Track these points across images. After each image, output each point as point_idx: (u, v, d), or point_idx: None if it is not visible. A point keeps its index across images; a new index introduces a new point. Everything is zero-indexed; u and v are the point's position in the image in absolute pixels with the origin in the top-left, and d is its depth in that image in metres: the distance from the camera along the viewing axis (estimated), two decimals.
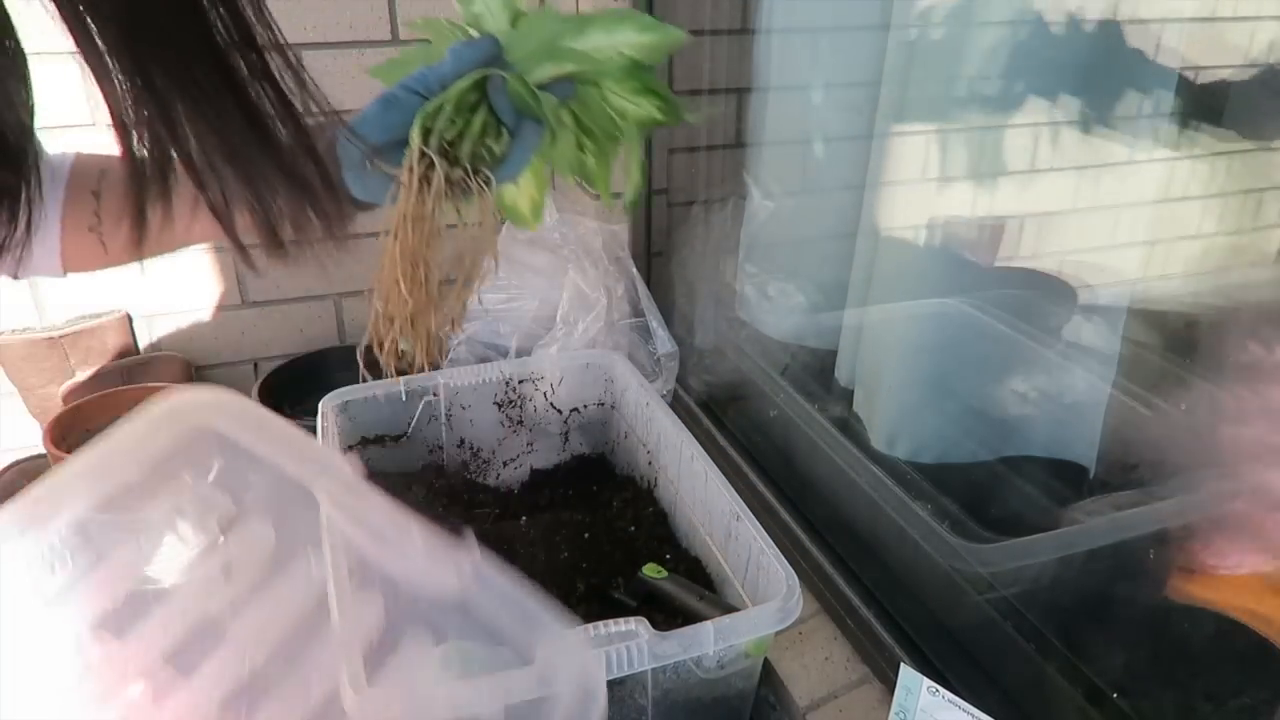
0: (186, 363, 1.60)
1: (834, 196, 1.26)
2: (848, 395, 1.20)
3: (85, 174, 0.67)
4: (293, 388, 1.49)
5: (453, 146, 0.60)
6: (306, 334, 1.69)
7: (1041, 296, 1.05)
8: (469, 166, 0.60)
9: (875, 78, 1.08)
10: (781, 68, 1.30)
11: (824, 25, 1.24)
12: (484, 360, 1.44)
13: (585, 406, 1.30)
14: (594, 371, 1.28)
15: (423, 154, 0.58)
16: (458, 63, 0.60)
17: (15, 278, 0.70)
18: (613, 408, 1.30)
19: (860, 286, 1.16)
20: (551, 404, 1.28)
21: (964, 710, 0.71)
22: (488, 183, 0.61)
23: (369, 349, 0.72)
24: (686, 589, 0.98)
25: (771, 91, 1.33)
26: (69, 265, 0.69)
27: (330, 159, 0.60)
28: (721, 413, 1.42)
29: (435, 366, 0.70)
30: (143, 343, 1.60)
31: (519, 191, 0.74)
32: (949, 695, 0.72)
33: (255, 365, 1.67)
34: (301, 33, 1.41)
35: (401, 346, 0.68)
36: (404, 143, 0.61)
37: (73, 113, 1.34)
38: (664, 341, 1.43)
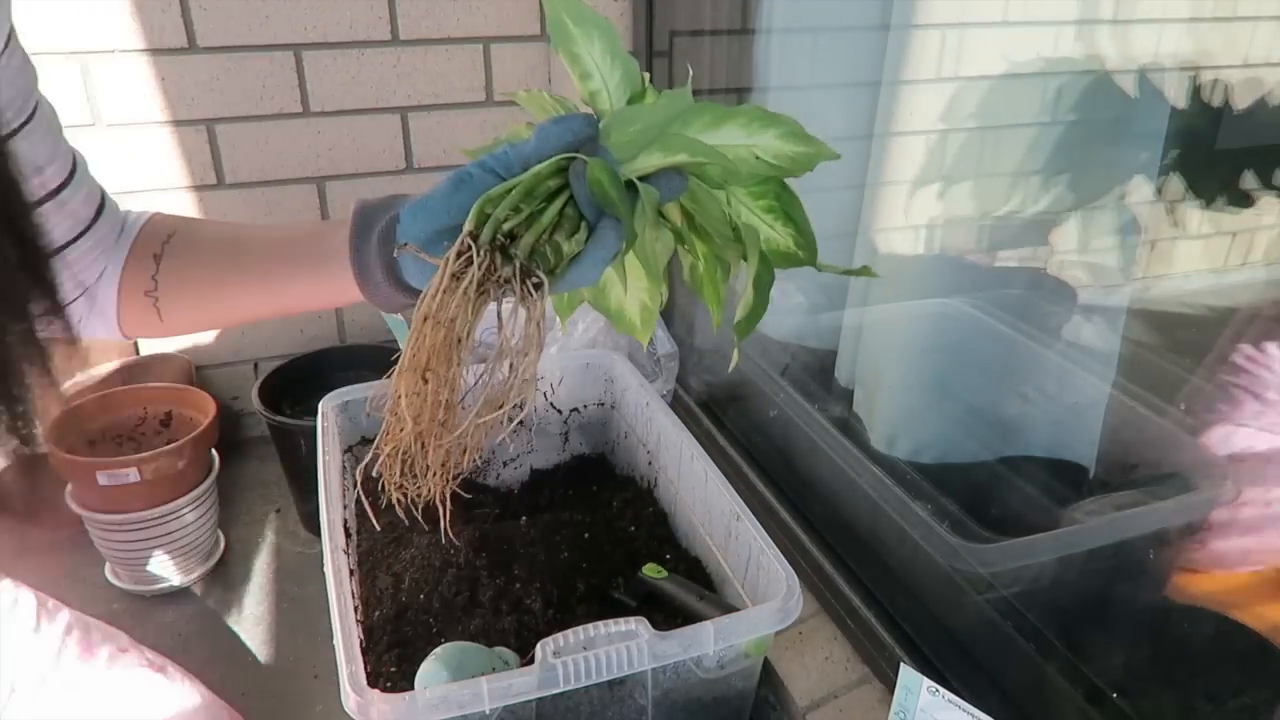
0: (187, 363, 1.60)
1: (834, 196, 1.26)
2: (848, 395, 1.20)
3: (153, 236, 0.64)
4: (293, 388, 1.49)
5: (513, 240, 0.49)
6: (307, 334, 1.69)
7: (1041, 296, 1.05)
8: (523, 265, 0.49)
9: (875, 78, 1.08)
10: (781, 68, 1.30)
11: (824, 25, 1.24)
12: (484, 360, 1.44)
13: (585, 406, 1.30)
14: (594, 371, 1.28)
15: (449, 257, 0.48)
16: (543, 142, 0.51)
17: (74, 341, 0.64)
18: (613, 408, 1.30)
19: (860, 286, 1.16)
20: (551, 404, 1.28)
21: (964, 710, 0.71)
22: (538, 287, 0.49)
23: (370, 465, 0.56)
24: (686, 589, 0.98)
25: (771, 91, 1.33)
26: (127, 330, 0.66)
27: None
28: (721, 413, 1.42)
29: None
30: (143, 343, 1.60)
31: (627, 294, 0.62)
32: (949, 695, 0.72)
33: (255, 365, 1.67)
34: (301, 33, 1.41)
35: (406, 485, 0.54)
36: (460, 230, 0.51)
37: (73, 113, 1.34)
38: (664, 342, 1.43)
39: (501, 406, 0.52)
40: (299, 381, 1.51)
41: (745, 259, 0.55)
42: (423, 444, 0.52)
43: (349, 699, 0.71)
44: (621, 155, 0.52)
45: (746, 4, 1.38)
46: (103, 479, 1.22)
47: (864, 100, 1.11)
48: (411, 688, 0.81)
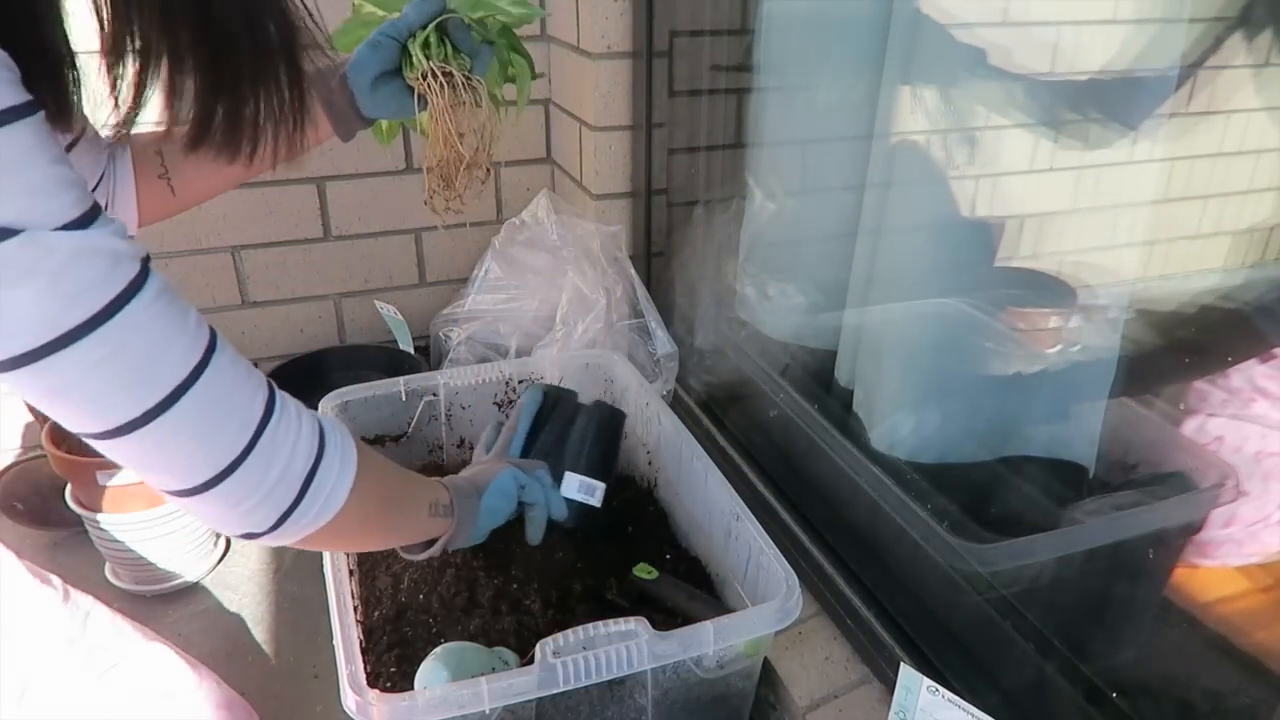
0: None
1: (834, 196, 1.26)
2: (848, 395, 1.20)
3: (144, 140, 0.84)
4: (293, 388, 1.48)
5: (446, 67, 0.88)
6: (307, 334, 1.69)
7: (1041, 296, 1.05)
8: (465, 76, 0.86)
9: (875, 77, 1.08)
10: (781, 68, 1.30)
11: (824, 25, 1.24)
12: (484, 360, 1.44)
13: None
14: (594, 371, 1.29)
15: (438, 71, 0.85)
16: (419, 14, 0.85)
17: None
18: None
19: (860, 286, 1.16)
20: None
21: (964, 710, 0.71)
22: (478, 84, 0.88)
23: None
24: (676, 588, 0.98)
25: (771, 91, 1.33)
26: (144, 215, 0.85)
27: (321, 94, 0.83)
28: (721, 413, 1.42)
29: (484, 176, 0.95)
30: None
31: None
32: (948, 695, 0.72)
33: (255, 365, 1.67)
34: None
35: (450, 203, 0.94)
36: (389, 74, 0.86)
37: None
38: (663, 342, 1.43)
39: (490, 144, 0.91)
40: (299, 381, 1.51)
41: (514, 75, 0.98)
42: (456, 174, 0.91)
43: (349, 699, 0.71)
44: (463, 14, 0.89)
45: (746, 4, 1.37)
46: (103, 479, 1.22)
47: (864, 100, 1.11)
48: (411, 688, 0.81)
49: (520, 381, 1.26)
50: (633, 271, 1.49)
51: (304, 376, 1.52)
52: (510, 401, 1.27)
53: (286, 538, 0.63)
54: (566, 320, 1.41)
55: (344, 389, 1.16)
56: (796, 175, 1.37)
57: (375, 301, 1.65)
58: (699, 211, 1.47)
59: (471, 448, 1.27)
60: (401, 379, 1.19)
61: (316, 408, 1.13)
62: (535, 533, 0.96)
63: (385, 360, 1.58)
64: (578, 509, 1.02)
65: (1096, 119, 0.89)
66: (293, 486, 0.62)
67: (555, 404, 1.08)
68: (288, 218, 1.59)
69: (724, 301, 1.44)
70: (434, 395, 1.21)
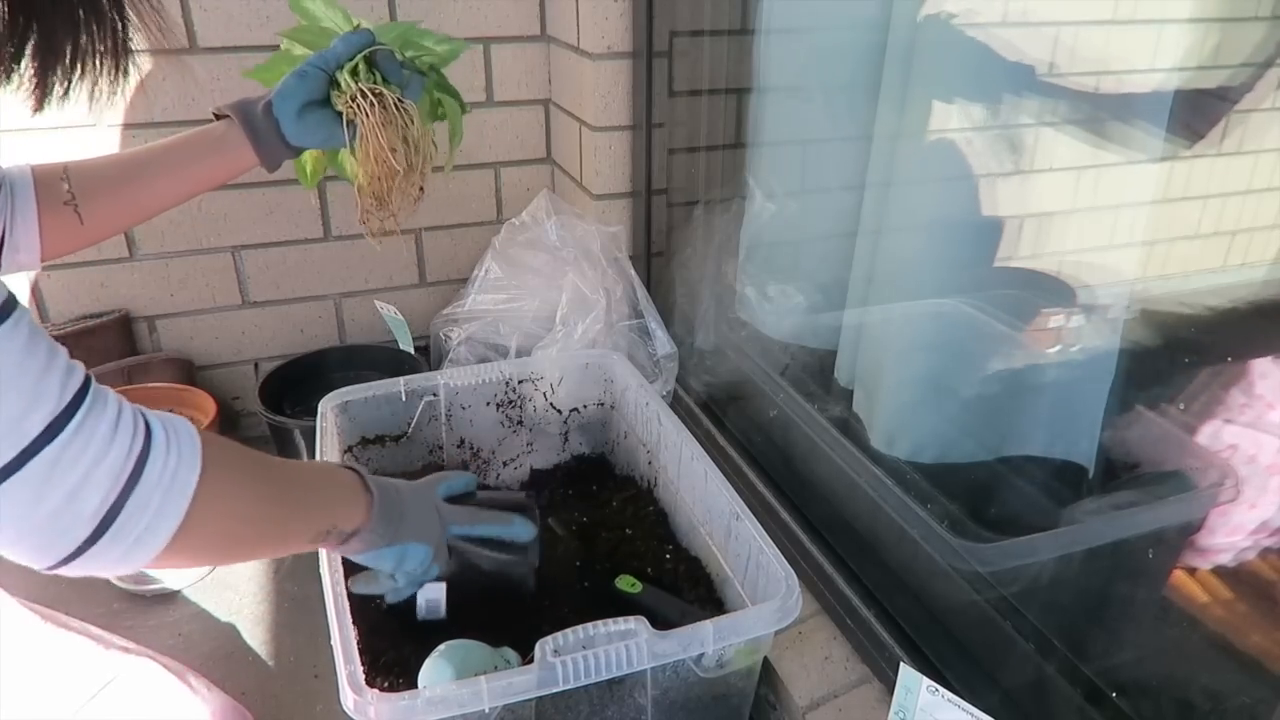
0: (186, 363, 1.60)
1: (834, 196, 1.26)
2: (848, 395, 1.20)
3: (48, 168, 0.80)
4: (293, 388, 1.49)
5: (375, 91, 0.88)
6: (307, 334, 1.69)
7: (1041, 296, 1.05)
8: (396, 98, 0.87)
9: (875, 78, 1.08)
10: (781, 68, 1.30)
11: (824, 25, 1.24)
12: (484, 360, 1.44)
13: (585, 406, 1.30)
14: (594, 372, 1.29)
15: (368, 91, 0.85)
16: (348, 46, 0.85)
17: None
18: (612, 408, 1.30)
19: (860, 286, 1.16)
20: (551, 404, 1.28)
21: (963, 710, 0.71)
22: (409, 107, 0.88)
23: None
24: (662, 603, 0.97)
25: (771, 91, 1.33)
26: (48, 247, 0.79)
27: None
28: (721, 413, 1.42)
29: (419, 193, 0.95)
30: (143, 343, 1.60)
31: (307, 157, 1.00)
32: (948, 695, 0.72)
33: (255, 365, 1.67)
34: None
35: (384, 222, 0.95)
36: (315, 103, 0.86)
37: (74, 114, 1.34)
38: (663, 343, 1.43)
39: (423, 163, 0.92)
40: (299, 381, 1.51)
41: (444, 110, 0.99)
42: (400, 187, 0.91)
43: (348, 698, 0.71)
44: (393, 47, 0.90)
45: (746, 4, 1.37)
46: None
47: (864, 100, 1.11)
48: (411, 687, 0.81)
49: (521, 381, 1.26)
50: (633, 272, 1.49)
51: (304, 376, 1.52)
52: (511, 402, 1.27)
53: (92, 568, 0.50)
54: (566, 320, 1.41)
55: (344, 389, 1.16)
56: (796, 175, 1.37)
57: (375, 301, 1.65)
58: (699, 211, 1.47)
59: (471, 447, 1.27)
60: (401, 379, 1.19)
61: (317, 408, 1.13)
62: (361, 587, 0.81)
63: (385, 360, 1.58)
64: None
65: (1160, 133, 0.86)
66: (94, 512, 0.48)
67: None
68: (288, 218, 1.59)
69: (724, 301, 1.44)
70: (434, 395, 1.21)
